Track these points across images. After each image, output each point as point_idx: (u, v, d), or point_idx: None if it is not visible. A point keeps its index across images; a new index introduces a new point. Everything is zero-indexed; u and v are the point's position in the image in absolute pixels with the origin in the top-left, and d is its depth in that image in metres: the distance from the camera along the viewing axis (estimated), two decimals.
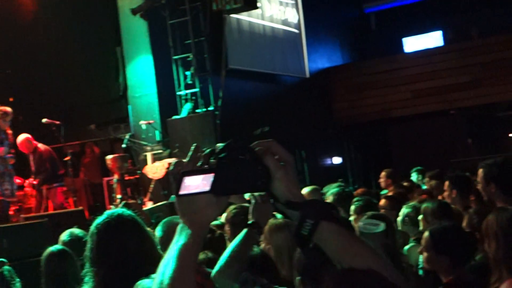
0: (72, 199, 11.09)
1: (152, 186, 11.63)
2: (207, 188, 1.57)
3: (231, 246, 2.98)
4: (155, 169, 11.42)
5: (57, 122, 10.99)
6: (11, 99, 10.93)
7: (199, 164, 1.64)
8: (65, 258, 4.50)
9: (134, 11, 12.88)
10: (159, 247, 3.09)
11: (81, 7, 13.63)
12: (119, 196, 11.01)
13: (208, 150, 1.64)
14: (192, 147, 1.69)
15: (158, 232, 3.81)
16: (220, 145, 1.62)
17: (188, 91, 13.13)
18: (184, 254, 1.58)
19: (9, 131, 9.20)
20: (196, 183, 1.58)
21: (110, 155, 11.63)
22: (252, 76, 15.35)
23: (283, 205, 1.62)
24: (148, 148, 12.43)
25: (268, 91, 15.86)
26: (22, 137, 10.36)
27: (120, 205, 10.40)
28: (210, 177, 1.57)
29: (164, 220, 3.92)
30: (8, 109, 9.17)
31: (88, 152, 13.65)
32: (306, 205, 1.61)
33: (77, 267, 4.36)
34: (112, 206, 11.10)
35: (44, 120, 10.77)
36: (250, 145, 1.63)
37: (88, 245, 3.05)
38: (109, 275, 2.94)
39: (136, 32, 13.32)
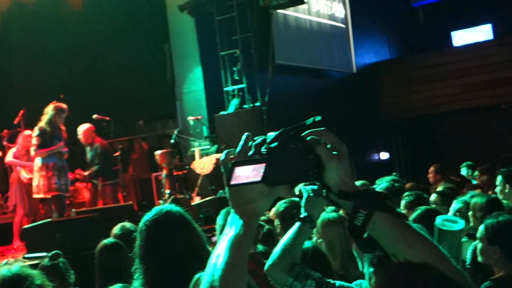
0: (121, 194, 11.22)
1: (199, 181, 11.71)
2: (258, 178, 1.54)
3: (283, 240, 2.98)
4: (203, 165, 11.49)
5: (107, 118, 11.13)
6: (61, 96, 11.10)
7: (250, 154, 1.62)
8: (117, 251, 4.56)
9: (181, 8, 12.97)
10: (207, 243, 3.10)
11: (130, 5, 13.79)
12: (167, 191, 11.10)
13: (259, 140, 1.61)
14: (243, 137, 1.67)
15: (219, 220, 3.82)
16: (271, 134, 1.60)
17: (235, 87, 13.17)
18: (236, 245, 1.56)
19: (63, 127, 9.38)
20: (247, 173, 1.56)
21: (159, 150, 11.73)
22: (299, 72, 15.32)
23: (335, 195, 1.58)
24: (196, 143, 12.51)
25: (315, 87, 15.80)
26: (85, 126, 10.51)
27: (169, 200, 10.50)
28: (261, 167, 1.54)
29: (225, 209, 3.90)
30: (64, 105, 9.34)
31: (136, 147, 13.81)
32: (359, 195, 1.56)
33: (130, 260, 4.42)
34: (160, 201, 11.21)
35: (94, 116, 10.93)
36: (302, 134, 1.60)
37: (137, 242, 3.05)
38: (158, 272, 2.95)
39: (183, 28, 13.42)
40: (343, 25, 17.02)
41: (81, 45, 14.22)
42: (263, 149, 1.58)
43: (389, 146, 17.30)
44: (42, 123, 9.09)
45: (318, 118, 1.70)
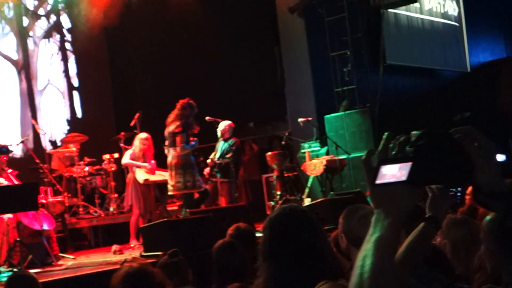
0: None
1: (310, 183, 11.67)
2: (403, 177, 1.48)
3: (407, 241, 2.89)
4: (313, 166, 11.45)
5: (220, 120, 11.27)
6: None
7: (393, 153, 1.56)
8: (234, 250, 4.60)
9: (291, 10, 13.00)
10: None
11: (240, 8, 13.96)
12: (278, 192, 11.12)
13: (402, 138, 1.56)
14: (384, 136, 1.61)
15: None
16: (415, 132, 1.53)
17: (345, 88, 13.05)
18: (382, 246, 1.51)
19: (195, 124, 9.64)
20: (394, 172, 1.50)
21: (269, 152, 11.78)
22: (410, 72, 15.01)
23: (486, 195, 1.50)
24: (306, 145, 12.49)
25: (427, 87, 15.43)
26: (227, 122, 10.71)
27: (280, 202, 10.52)
28: (407, 166, 1.48)
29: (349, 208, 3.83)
30: (193, 103, 9.63)
31: (247, 149, 13.93)
32: None
33: (245, 260, 4.45)
34: (271, 203, 11.25)
35: (206, 118, 11.09)
36: (449, 132, 1.52)
37: (261, 239, 3.07)
38: (280, 270, 2.95)
39: (293, 30, 13.44)
40: (456, 24, 16.55)
41: (193, 48, 14.54)
42: (407, 148, 1.52)
43: (506, 148, 16.63)
44: (181, 120, 9.32)
45: (466, 114, 1.62)
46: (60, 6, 15.07)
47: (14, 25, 14.20)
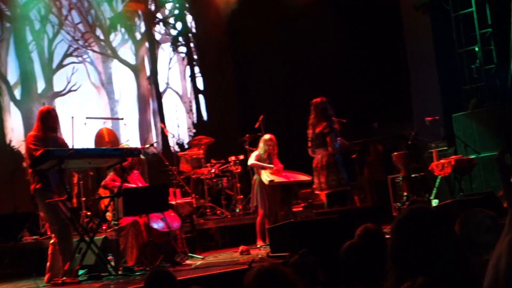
0: (357, 196, 11.23)
1: (437, 183, 11.36)
2: None
3: None
4: (441, 166, 11.14)
5: (344, 120, 11.20)
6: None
7: None
8: (362, 252, 4.55)
9: (417, 7, 12.75)
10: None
11: (363, 5, 13.86)
12: (405, 193, 10.91)
13: None
14: None
15: None
16: None
17: (473, 85, 12.62)
18: None
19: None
20: None
21: (395, 152, 11.58)
22: None
23: None
24: (433, 145, 12.17)
25: None
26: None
27: (407, 203, 10.32)
28: None
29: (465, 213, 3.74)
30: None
31: (371, 150, 13.76)
32: None
33: (374, 262, 4.39)
34: (398, 204, 11.06)
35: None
36: None
37: (390, 241, 3.01)
38: (410, 273, 2.88)
39: (418, 27, 13.18)
40: None
41: (315, 48, 14.55)
42: None
43: None
44: (327, 121, 9.38)
45: None
46: (180, 10, 15.47)
47: (132, 31, 14.69)
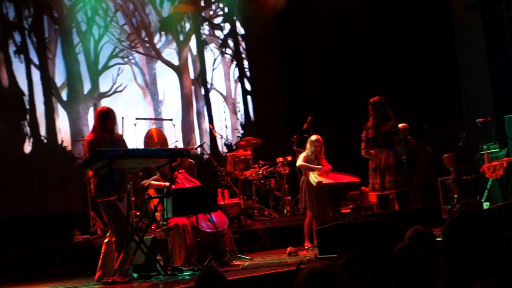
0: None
1: (489, 186, 11.16)
2: None
3: None
4: (493, 168, 10.94)
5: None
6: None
7: None
8: (413, 254, 4.51)
9: (467, 6, 12.56)
10: None
11: (413, 5, 13.74)
12: (456, 196, 10.75)
13: None
14: None
15: None
16: None
17: None
18: None
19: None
20: None
21: (445, 154, 11.42)
22: None
23: None
24: (484, 146, 11.96)
25: None
26: (402, 124, 10.72)
27: (458, 205, 10.17)
28: None
29: None
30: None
31: (421, 151, 13.58)
32: None
33: (425, 264, 4.35)
34: (448, 206, 10.90)
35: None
36: None
37: (442, 243, 2.99)
38: (461, 276, 2.85)
39: (469, 27, 12.98)
40: None
41: (364, 49, 14.47)
42: None
43: None
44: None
45: None
46: (228, 11, 15.53)
47: (177, 32, 14.77)
